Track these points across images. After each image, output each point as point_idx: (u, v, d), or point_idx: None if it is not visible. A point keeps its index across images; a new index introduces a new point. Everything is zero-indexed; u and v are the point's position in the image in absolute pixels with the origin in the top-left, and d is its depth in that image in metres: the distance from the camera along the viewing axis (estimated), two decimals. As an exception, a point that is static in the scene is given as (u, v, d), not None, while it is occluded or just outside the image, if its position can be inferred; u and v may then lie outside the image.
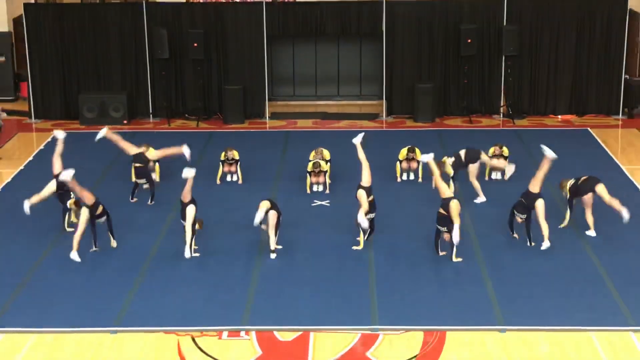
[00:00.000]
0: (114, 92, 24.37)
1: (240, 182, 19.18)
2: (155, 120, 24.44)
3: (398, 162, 19.24)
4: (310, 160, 18.80)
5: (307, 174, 18.63)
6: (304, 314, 13.66)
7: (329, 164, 18.97)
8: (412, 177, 19.24)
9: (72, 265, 15.29)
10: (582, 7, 24.20)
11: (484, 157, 18.26)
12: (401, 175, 19.19)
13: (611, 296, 14.06)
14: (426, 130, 23.30)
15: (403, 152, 19.27)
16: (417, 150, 19.19)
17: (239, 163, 19.22)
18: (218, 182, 19.16)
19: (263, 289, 14.47)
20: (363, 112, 25.27)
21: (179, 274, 14.94)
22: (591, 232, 16.25)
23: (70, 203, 16.24)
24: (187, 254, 15.33)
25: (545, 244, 15.47)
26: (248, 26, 24.14)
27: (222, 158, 19.25)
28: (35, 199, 16.21)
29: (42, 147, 21.96)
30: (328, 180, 18.69)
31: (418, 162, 19.17)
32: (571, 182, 16.38)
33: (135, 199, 18.21)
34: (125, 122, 23.93)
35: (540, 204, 15.60)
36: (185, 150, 18.05)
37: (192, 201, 15.57)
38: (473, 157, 18.10)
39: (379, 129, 23.68)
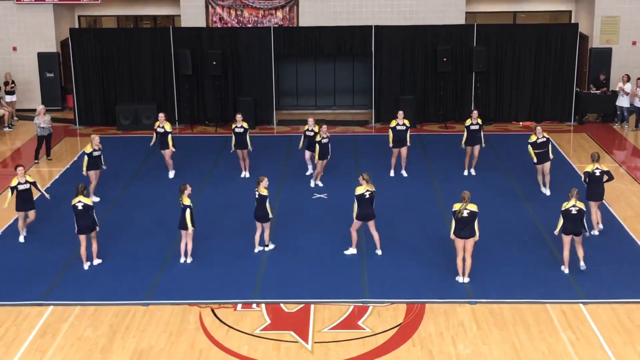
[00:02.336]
0: (146, 103, 24.32)
1: (248, 176, 19.19)
2: (180, 127, 24.39)
3: (390, 130, 19.15)
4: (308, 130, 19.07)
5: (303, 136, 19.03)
6: (306, 289, 13.66)
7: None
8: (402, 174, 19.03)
9: (110, 248, 15.29)
10: (540, 31, 24.18)
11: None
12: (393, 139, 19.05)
13: (564, 274, 14.05)
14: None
15: (393, 122, 19.14)
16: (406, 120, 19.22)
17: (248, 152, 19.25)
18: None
19: (271, 268, 14.46)
20: (355, 119, 25.21)
21: (200, 255, 14.92)
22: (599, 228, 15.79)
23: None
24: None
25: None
26: (258, 47, 24.09)
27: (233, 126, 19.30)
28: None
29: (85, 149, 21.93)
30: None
31: (407, 127, 19.11)
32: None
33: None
34: (155, 128, 23.91)
35: None
36: None
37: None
38: None
39: (369, 133, 23.65)
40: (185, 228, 14.56)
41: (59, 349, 11.96)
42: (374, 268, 14.38)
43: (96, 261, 14.67)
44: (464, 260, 13.74)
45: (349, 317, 12.82)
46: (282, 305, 13.21)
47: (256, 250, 15.07)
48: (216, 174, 19.67)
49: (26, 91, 25.92)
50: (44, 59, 25.95)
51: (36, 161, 20.89)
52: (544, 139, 17.55)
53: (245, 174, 19.36)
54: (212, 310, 13.03)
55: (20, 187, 15.66)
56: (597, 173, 15.56)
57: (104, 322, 12.69)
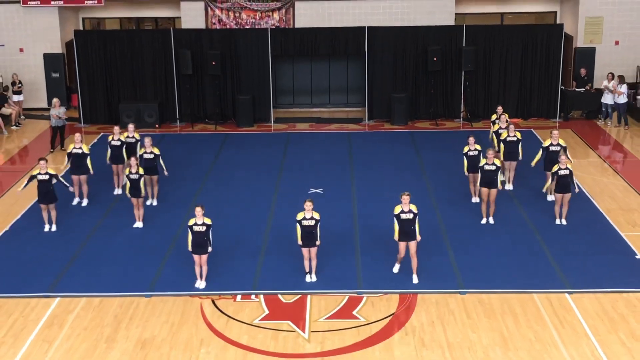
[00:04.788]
0: (148, 102, 24.28)
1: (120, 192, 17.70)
2: (181, 125, 24.35)
3: (491, 134, 18.26)
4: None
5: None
6: (303, 281, 13.64)
7: None
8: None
9: (115, 242, 15.28)
10: (526, 31, 24.18)
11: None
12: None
13: (550, 264, 14.08)
14: (400, 131, 23.26)
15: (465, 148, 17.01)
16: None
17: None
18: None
19: (269, 260, 14.45)
20: (349, 117, 25.21)
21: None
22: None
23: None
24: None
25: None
26: (256, 47, 24.06)
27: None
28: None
29: (89, 147, 21.88)
30: None
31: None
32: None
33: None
34: (157, 125, 23.85)
35: None
36: None
37: None
38: None
39: (362, 130, 23.64)
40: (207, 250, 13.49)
41: (65, 339, 11.95)
42: (368, 260, 14.37)
43: (140, 224, 15.93)
44: (488, 206, 15.76)
45: (344, 307, 12.82)
46: (279, 296, 13.20)
47: (308, 280, 13.67)
48: (216, 169, 19.65)
49: (33, 91, 25.89)
50: (50, 60, 25.90)
51: (51, 150, 21.25)
52: (514, 139, 17.53)
53: (119, 190, 17.84)
54: (213, 301, 13.02)
55: (40, 177, 15.61)
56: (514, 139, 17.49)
57: (108, 313, 12.68)
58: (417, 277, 13.56)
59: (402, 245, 13.45)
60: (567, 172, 15.49)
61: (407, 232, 13.35)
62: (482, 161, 15.82)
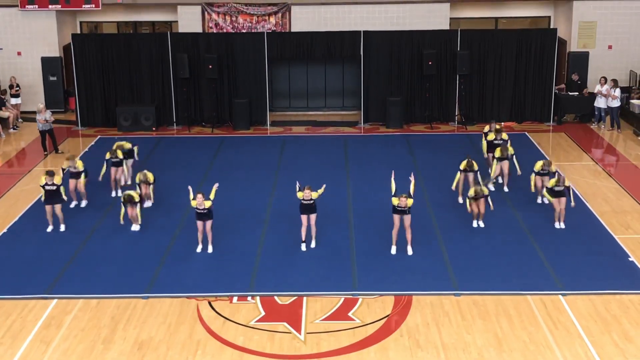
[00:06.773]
0: (145, 105, 24.28)
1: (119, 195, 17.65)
2: (178, 128, 24.36)
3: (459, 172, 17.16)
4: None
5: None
6: (299, 282, 13.66)
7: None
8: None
9: (112, 244, 15.28)
10: (521, 35, 24.24)
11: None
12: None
13: (544, 266, 14.12)
14: (396, 134, 23.30)
15: (463, 163, 17.01)
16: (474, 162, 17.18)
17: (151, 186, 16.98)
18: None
19: (265, 262, 14.46)
20: (345, 120, 25.23)
21: (198, 251, 14.89)
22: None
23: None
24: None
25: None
26: (253, 51, 24.08)
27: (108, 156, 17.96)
28: None
29: (86, 149, 21.91)
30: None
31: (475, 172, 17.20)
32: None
33: None
34: (154, 129, 23.86)
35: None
36: None
37: None
38: None
39: (358, 133, 23.67)
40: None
41: (63, 340, 11.95)
42: (364, 261, 14.40)
43: (136, 226, 15.96)
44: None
45: (340, 308, 12.84)
46: (276, 297, 13.22)
47: (304, 249, 14.90)
48: (213, 172, 19.66)
49: (30, 94, 25.87)
50: (47, 63, 25.89)
51: (45, 153, 21.24)
52: (500, 140, 17.69)
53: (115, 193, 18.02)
54: (209, 303, 13.03)
55: (47, 188, 15.73)
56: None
57: (106, 314, 12.69)
58: (411, 249, 14.61)
59: (396, 218, 14.54)
60: (562, 188, 15.51)
61: (399, 211, 14.58)
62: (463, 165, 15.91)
